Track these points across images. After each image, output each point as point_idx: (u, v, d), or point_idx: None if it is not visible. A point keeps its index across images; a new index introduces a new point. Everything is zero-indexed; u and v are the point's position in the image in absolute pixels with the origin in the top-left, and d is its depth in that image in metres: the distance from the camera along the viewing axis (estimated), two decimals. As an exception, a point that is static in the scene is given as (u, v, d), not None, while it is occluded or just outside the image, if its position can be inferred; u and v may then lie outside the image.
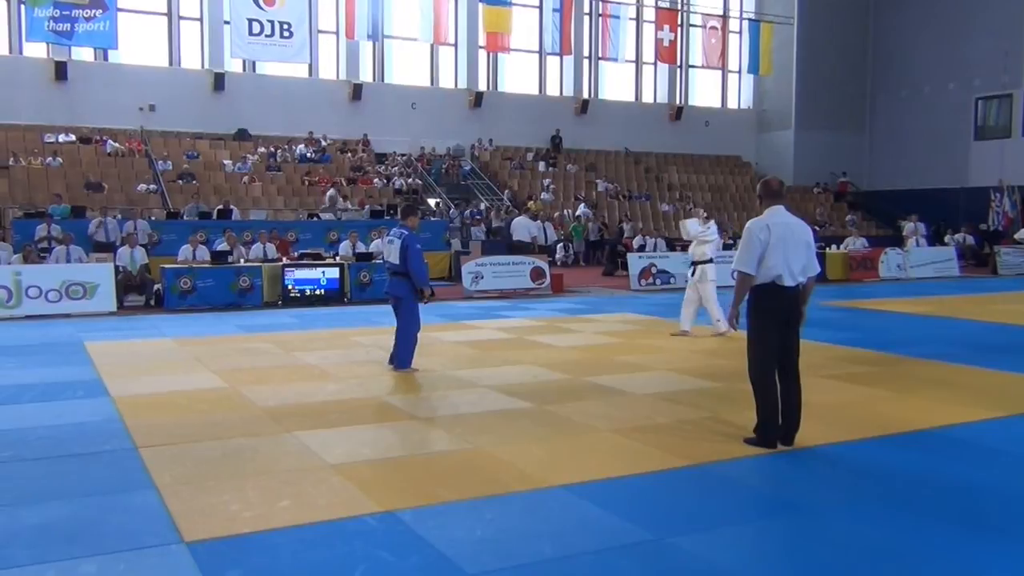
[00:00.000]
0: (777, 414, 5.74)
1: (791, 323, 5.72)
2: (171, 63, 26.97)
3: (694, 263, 11.31)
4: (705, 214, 11.89)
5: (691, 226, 11.42)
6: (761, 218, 5.73)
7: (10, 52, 24.99)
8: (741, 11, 34.99)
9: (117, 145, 24.21)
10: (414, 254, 8.33)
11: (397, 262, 8.39)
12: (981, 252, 25.65)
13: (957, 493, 4.90)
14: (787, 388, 5.77)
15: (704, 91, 35.84)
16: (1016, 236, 25.42)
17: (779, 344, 5.70)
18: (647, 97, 34.67)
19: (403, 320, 8.56)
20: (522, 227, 22.93)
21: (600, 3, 31.69)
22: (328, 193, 22.98)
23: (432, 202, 26.09)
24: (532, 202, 27.20)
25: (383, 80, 29.96)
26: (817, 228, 28.96)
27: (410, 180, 27.01)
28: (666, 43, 31.87)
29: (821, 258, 20.35)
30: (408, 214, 8.77)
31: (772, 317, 5.67)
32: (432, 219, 22.61)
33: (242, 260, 15.52)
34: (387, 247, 8.61)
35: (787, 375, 5.77)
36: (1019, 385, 7.97)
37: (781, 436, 5.77)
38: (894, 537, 4.24)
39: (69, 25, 22.67)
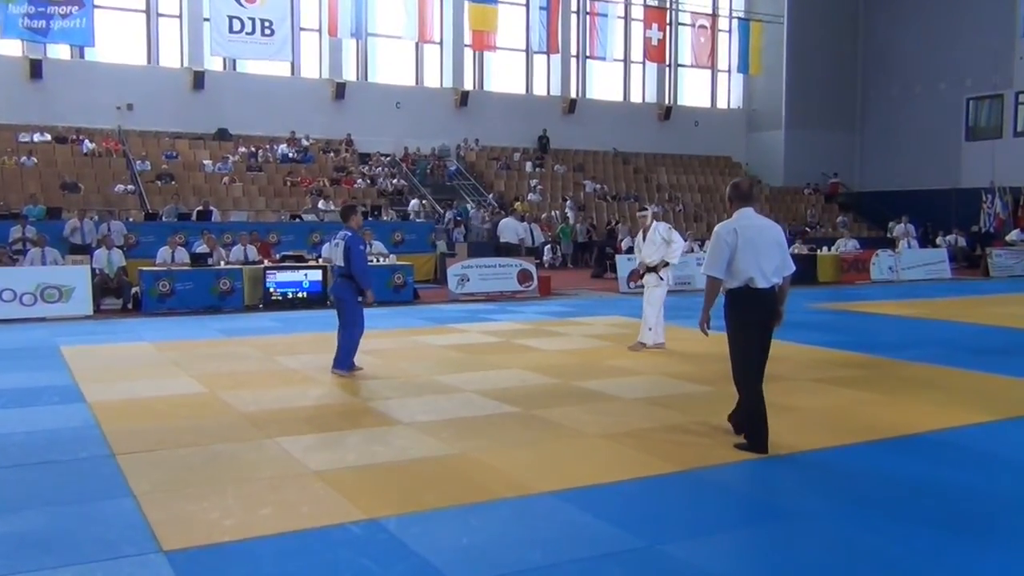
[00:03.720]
0: (765, 415, 5.78)
1: (767, 325, 5.80)
2: (149, 61, 26.82)
3: (653, 269, 10.22)
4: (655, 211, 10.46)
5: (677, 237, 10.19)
6: (729, 221, 5.84)
7: (-17, 49, 24.83)
8: (731, 10, 35.14)
9: (94, 145, 24.06)
10: (357, 255, 8.44)
11: (342, 264, 8.50)
12: (973, 254, 25.86)
13: (949, 498, 4.93)
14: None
15: (693, 91, 35.97)
16: (1008, 238, 25.64)
17: (758, 345, 5.80)
18: (635, 97, 34.76)
19: (346, 323, 8.58)
20: (509, 229, 22.92)
21: (588, 1, 31.75)
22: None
23: (417, 203, 26.03)
24: (519, 203, 27.22)
25: (367, 79, 29.90)
26: (808, 229, 29.16)
27: (395, 181, 26.96)
28: (655, 42, 31.97)
29: (812, 260, 20.69)
30: (349, 215, 8.89)
31: (749, 319, 5.77)
32: (417, 220, 22.57)
33: (222, 262, 15.45)
34: (333, 250, 8.72)
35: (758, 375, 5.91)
36: (1011, 388, 8.03)
37: (738, 428, 5.96)
38: (885, 543, 4.26)
39: (44, 22, 22.50)
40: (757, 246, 5.69)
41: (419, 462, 5.59)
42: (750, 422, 5.83)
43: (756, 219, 5.85)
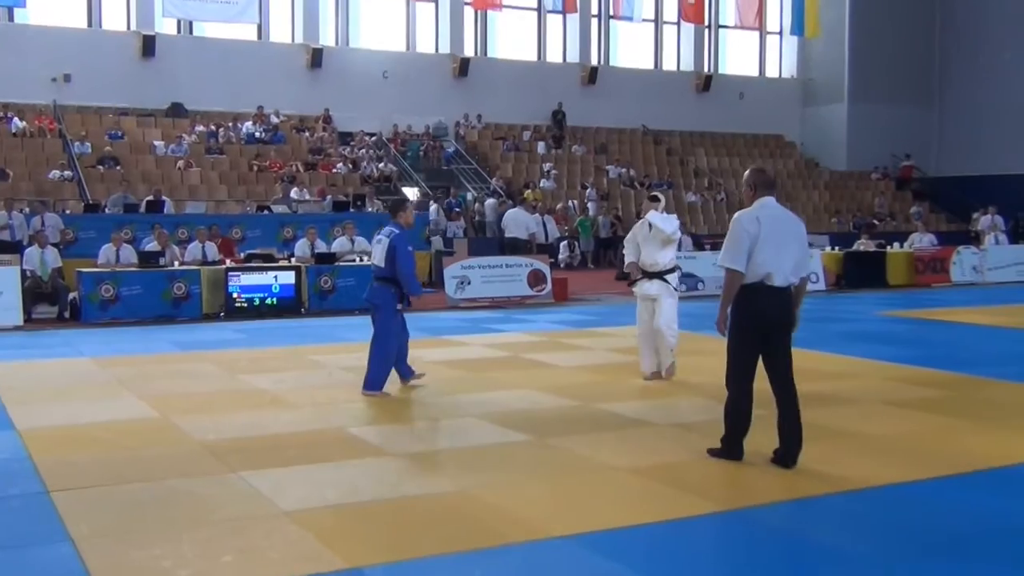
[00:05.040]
0: (745, 433, 6.13)
1: (783, 329, 6.07)
2: (90, 24, 26.97)
3: (653, 274, 9.41)
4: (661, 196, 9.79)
5: (665, 224, 9.32)
6: (750, 209, 6.15)
7: None
8: (782, -40, 35.19)
9: (24, 123, 24.18)
10: (403, 256, 8.65)
11: (383, 265, 8.73)
12: (1074, 251, 25.71)
13: (1047, 543, 4.91)
14: (785, 403, 6.08)
15: (738, 57, 36.00)
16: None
17: (767, 352, 6.06)
18: (669, 64, 34.79)
19: (377, 332, 8.73)
20: (518, 222, 22.91)
21: (611, -50, 31.84)
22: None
23: (411, 193, 26.03)
24: (530, 191, 27.24)
25: (348, 44, 29.99)
26: (875, 222, 29.10)
27: (381, 165, 27.01)
28: (692, -1, 31.99)
29: (881, 258, 20.65)
30: (399, 210, 9.21)
31: (760, 321, 6.02)
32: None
33: (176, 263, 15.51)
34: (374, 247, 9.06)
35: (784, 388, 6.08)
36: (1121, 412, 8.00)
37: (781, 459, 6.10)
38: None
39: (-34, -22, 22.66)
40: (778, 239, 5.98)
41: (412, 500, 5.60)
42: (731, 434, 6.14)
43: (778, 210, 6.17)
